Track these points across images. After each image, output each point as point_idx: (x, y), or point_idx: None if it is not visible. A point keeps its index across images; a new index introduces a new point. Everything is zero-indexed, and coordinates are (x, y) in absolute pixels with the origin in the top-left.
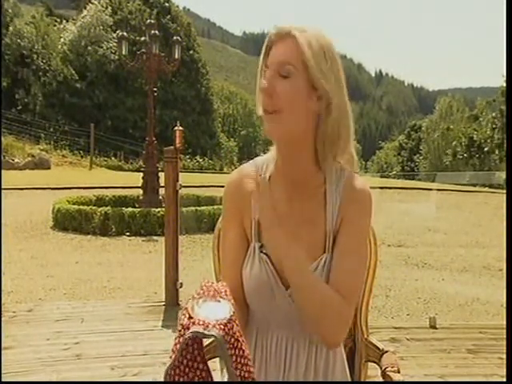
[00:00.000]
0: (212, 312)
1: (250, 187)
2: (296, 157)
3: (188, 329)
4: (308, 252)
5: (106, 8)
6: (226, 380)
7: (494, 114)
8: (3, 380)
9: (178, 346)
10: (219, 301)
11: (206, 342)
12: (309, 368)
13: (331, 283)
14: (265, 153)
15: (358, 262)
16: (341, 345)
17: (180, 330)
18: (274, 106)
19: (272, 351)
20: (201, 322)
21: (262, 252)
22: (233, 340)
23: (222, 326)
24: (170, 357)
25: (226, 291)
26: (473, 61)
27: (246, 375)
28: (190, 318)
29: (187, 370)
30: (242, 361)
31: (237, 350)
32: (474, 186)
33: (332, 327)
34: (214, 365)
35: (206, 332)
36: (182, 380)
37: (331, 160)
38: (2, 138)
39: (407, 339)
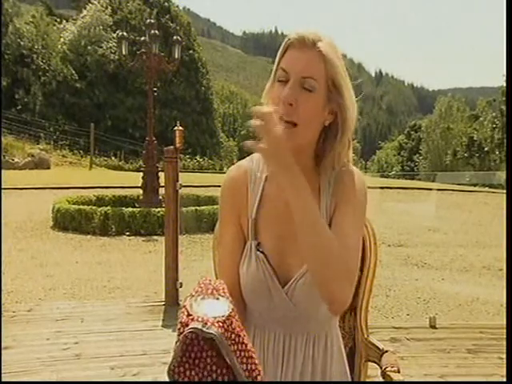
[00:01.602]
0: (210, 309)
1: (246, 185)
2: (296, 154)
3: (187, 325)
4: None
5: (106, 8)
6: None
7: (494, 114)
8: (3, 380)
9: (178, 343)
10: (218, 298)
11: None
12: (306, 365)
13: None
14: None
15: (355, 236)
16: (340, 341)
17: (179, 328)
18: (292, 117)
19: (270, 349)
20: (200, 319)
21: (258, 250)
22: (233, 335)
23: (221, 324)
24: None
25: (223, 289)
26: (473, 61)
27: (253, 367)
28: (189, 315)
29: (193, 372)
30: (246, 354)
31: (239, 345)
32: (474, 185)
33: (338, 276)
34: None
35: (204, 329)
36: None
37: (332, 165)
38: (2, 138)
39: (407, 339)
